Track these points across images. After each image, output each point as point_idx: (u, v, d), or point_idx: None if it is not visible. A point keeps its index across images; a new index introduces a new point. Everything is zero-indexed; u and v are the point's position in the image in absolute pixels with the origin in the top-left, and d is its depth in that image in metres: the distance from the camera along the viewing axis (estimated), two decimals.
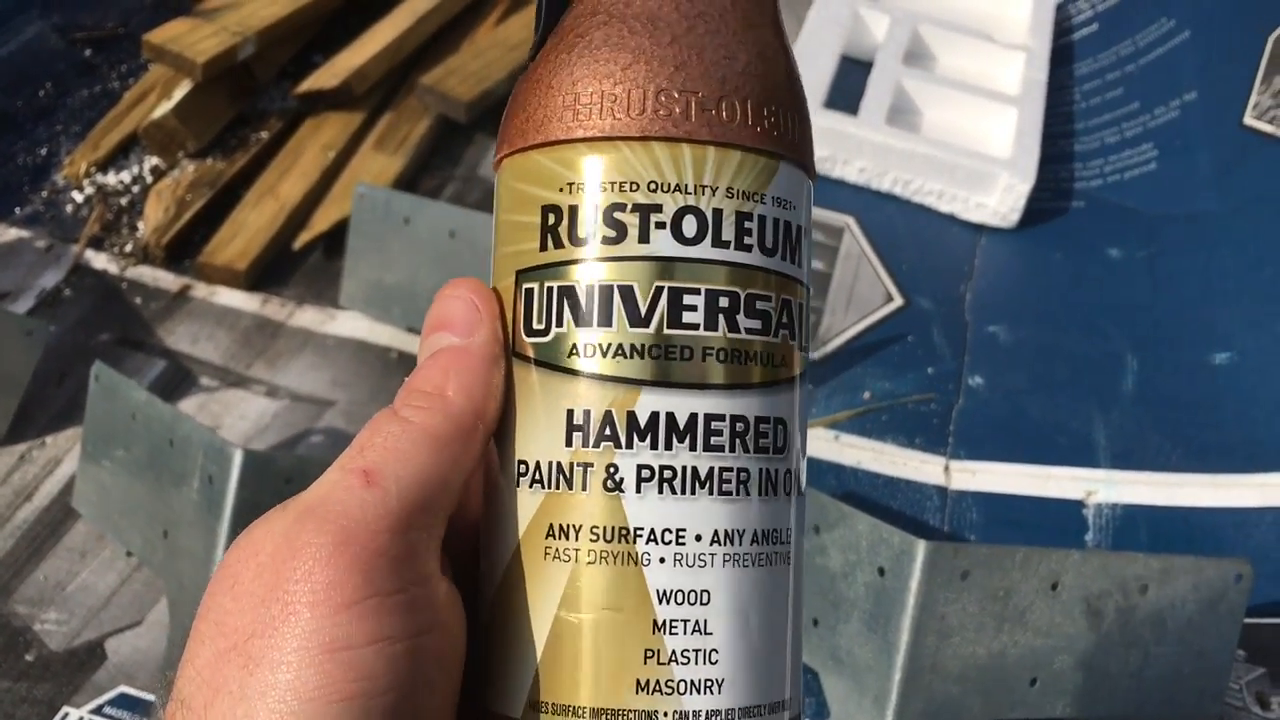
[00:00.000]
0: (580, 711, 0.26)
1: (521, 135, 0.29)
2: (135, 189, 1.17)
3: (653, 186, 0.27)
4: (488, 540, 0.29)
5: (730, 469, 0.27)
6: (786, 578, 0.28)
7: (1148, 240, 1.13)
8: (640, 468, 0.27)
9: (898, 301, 1.06)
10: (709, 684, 0.26)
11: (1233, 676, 0.76)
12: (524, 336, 0.28)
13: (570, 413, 0.27)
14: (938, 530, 0.87)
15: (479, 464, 0.28)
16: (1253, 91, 1.16)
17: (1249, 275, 1.06)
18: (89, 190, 1.16)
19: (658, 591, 0.26)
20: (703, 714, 0.26)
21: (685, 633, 0.26)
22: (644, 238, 0.27)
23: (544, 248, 0.28)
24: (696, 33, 0.28)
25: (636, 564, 0.26)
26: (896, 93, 1.19)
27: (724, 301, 0.27)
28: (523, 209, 0.28)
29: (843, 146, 1.15)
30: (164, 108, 1.17)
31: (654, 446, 0.27)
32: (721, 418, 0.27)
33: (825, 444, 0.93)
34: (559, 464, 0.27)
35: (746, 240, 0.27)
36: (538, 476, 0.27)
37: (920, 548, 0.65)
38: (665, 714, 0.26)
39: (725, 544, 0.27)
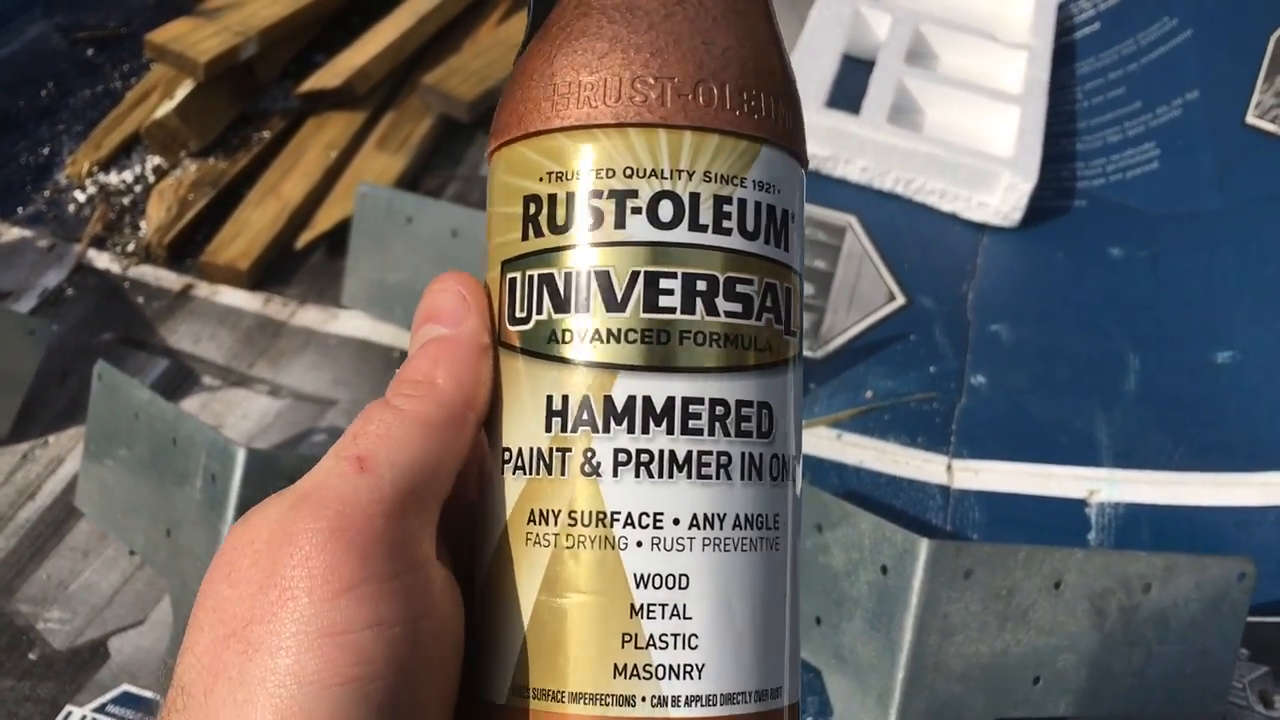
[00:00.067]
0: (560, 696, 0.26)
1: (505, 129, 0.29)
2: (137, 188, 1.17)
3: (629, 172, 0.27)
4: (479, 528, 0.29)
5: (710, 452, 0.27)
6: (777, 564, 0.28)
7: (1150, 239, 1.13)
8: (617, 451, 0.27)
9: (900, 300, 1.06)
10: (688, 669, 0.26)
11: (1236, 675, 0.76)
12: (509, 325, 0.28)
13: (550, 398, 0.27)
14: (940, 529, 0.87)
15: (471, 451, 0.28)
16: (1255, 90, 1.16)
17: (1251, 274, 1.06)
18: (91, 190, 1.17)
19: (635, 575, 0.26)
20: (682, 699, 0.26)
21: (663, 617, 0.26)
22: (620, 223, 0.27)
23: (525, 237, 0.28)
24: (674, 20, 0.28)
25: (614, 548, 0.26)
26: (898, 92, 1.19)
27: (701, 285, 0.27)
28: (507, 200, 0.29)
29: (845, 145, 1.15)
30: (166, 107, 1.17)
31: (631, 430, 0.27)
32: (700, 401, 0.27)
33: (828, 443, 0.93)
34: (539, 449, 0.27)
35: (725, 224, 0.27)
36: (520, 463, 0.28)
37: (923, 546, 0.65)
38: (643, 698, 0.26)
39: (705, 528, 0.27)
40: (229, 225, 1.11)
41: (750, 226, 0.28)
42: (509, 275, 0.28)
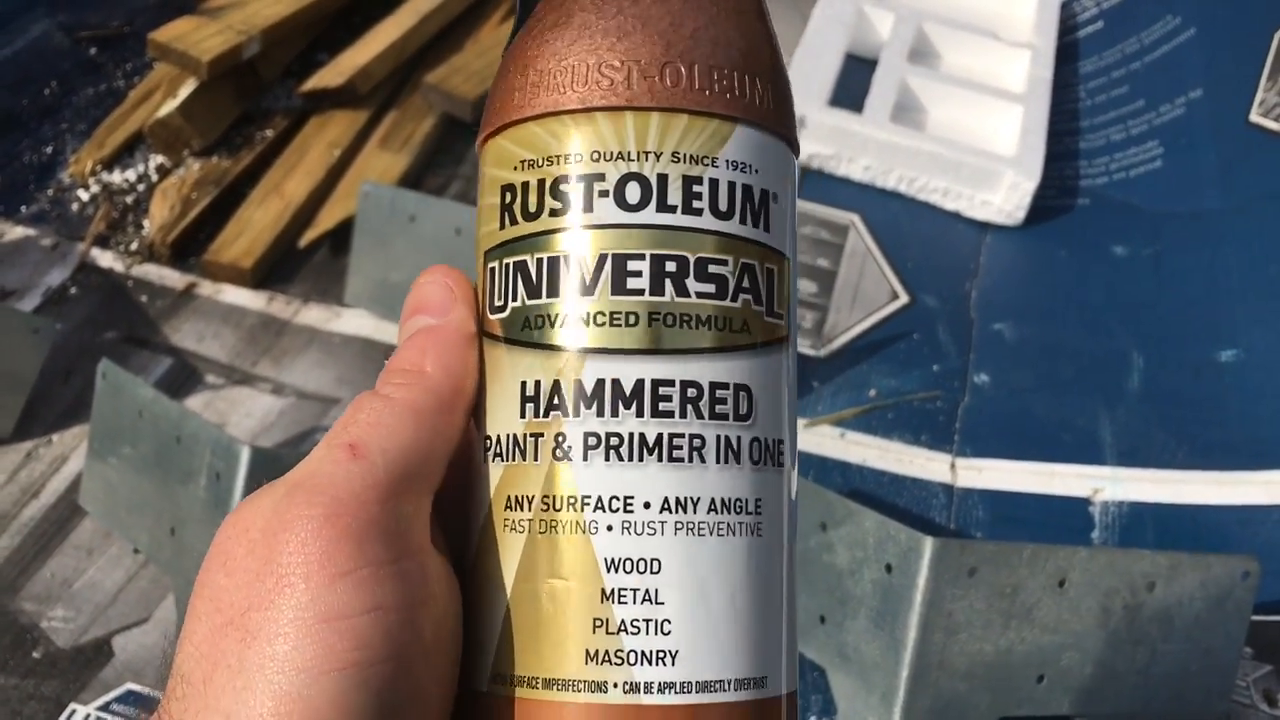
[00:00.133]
0: (534, 682, 0.26)
1: (487, 123, 0.29)
2: (141, 187, 1.17)
3: (595, 156, 0.27)
4: (468, 517, 0.29)
5: (681, 435, 0.26)
6: (760, 551, 0.27)
7: (1153, 238, 1.13)
8: (587, 435, 0.26)
9: (903, 299, 1.06)
10: (660, 655, 0.26)
11: (1240, 674, 0.76)
12: (490, 314, 0.29)
13: (524, 384, 0.27)
14: (944, 528, 0.87)
15: (462, 438, 0.29)
16: (1258, 89, 1.16)
17: (1254, 272, 1.06)
18: (95, 188, 1.17)
19: (606, 560, 0.26)
20: (654, 685, 0.26)
21: (634, 602, 0.26)
22: (588, 207, 0.27)
23: (502, 226, 0.28)
24: (643, 4, 0.28)
25: (584, 532, 0.26)
26: (901, 90, 1.19)
27: (670, 266, 0.27)
28: (489, 192, 0.29)
29: (848, 144, 1.15)
30: (169, 106, 1.17)
31: (600, 414, 0.26)
32: (670, 383, 0.27)
33: (831, 441, 0.93)
34: (515, 435, 0.27)
35: (695, 204, 0.27)
36: (499, 449, 0.28)
37: (928, 545, 0.65)
38: (615, 684, 0.26)
39: (676, 512, 0.26)
40: (232, 224, 1.11)
41: (723, 206, 0.27)
42: (489, 265, 0.29)
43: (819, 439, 0.93)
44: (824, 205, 1.14)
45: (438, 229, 0.98)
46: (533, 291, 0.27)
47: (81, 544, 0.85)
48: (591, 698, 0.26)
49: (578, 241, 0.27)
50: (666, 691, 0.26)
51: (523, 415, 0.27)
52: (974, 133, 1.18)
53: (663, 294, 0.27)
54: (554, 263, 0.27)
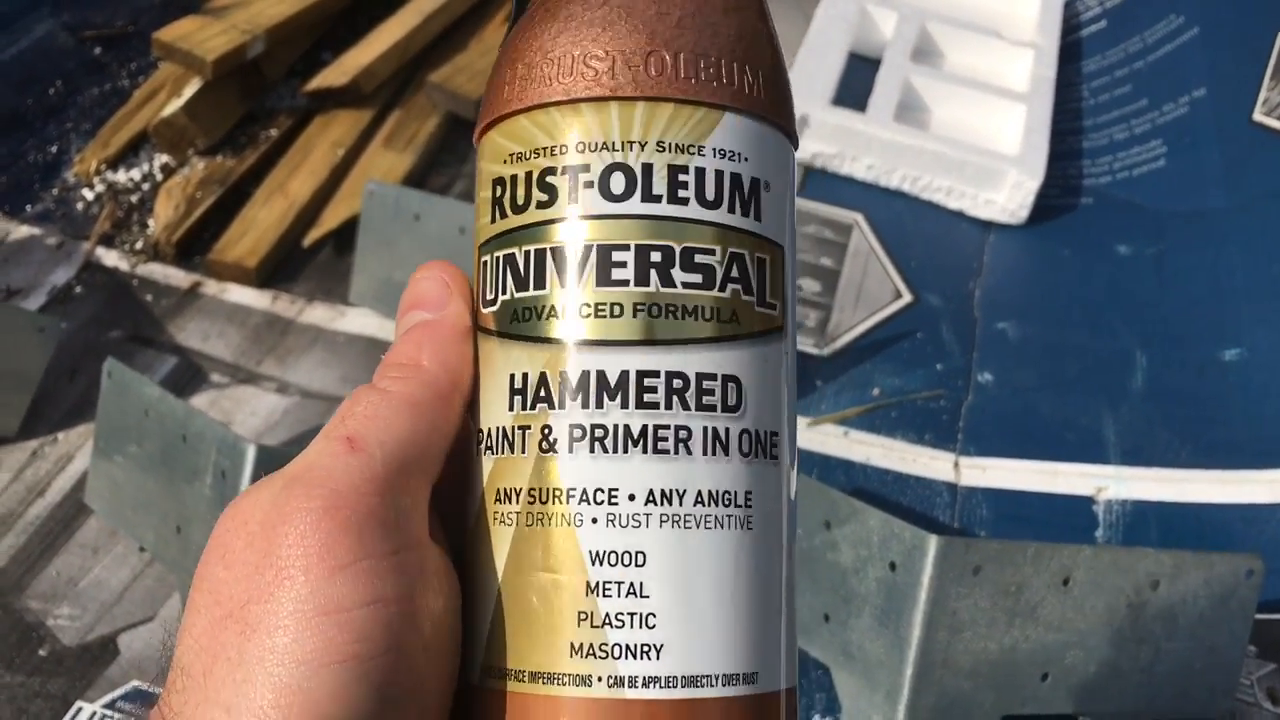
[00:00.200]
0: (521, 675, 0.26)
1: (481, 119, 0.29)
2: (145, 186, 1.17)
3: (581, 147, 0.27)
4: (464, 511, 0.29)
5: (666, 426, 0.26)
6: (751, 544, 0.27)
7: (1157, 237, 1.13)
8: (572, 427, 0.26)
9: (906, 298, 1.06)
10: (646, 649, 0.26)
11: (1244, 672, 0.76)
12: (482, 308, 0.29)
13: (513, 377, 0.27)
14: (948, 526, 0.87)
15: (459, 431, 0.29)
16: (1262, 88, 1.16)
17: (1258, 271, 1.06)
18: (99, 188, 1.17)
19: (590, 553, 0.26)
20: (639, 679, 0.25)
21: (619, 595, 0.26)
22: (573, 198, 0.27)
23: (493, 220, 0.28)
24: None
25: (570, 525, 0.26)
26: (905, 90, 1.19)
27: (655, 256, 0.26)
28: (482, 186, 0.29)
29: (851, 143, 1.15)
30: (174, 105, 1.17)
31: (585, 405, 0.26)
32: (655, 374, 0.26)
33: (835, 440, 0.93)
34: (504, 429, 0.27)
35: (681, 193, 0.27)
36: (490, 443, 0.28)
37: (932, 543, 0.65)
38: (599, 678, 0.25)
39: (662, 504, 0.26)
40: (237, 223, 1.11)
41: (710, 195, 0.27)
42: (482, 259, 0.29)
43: (823, 437, 0.93)
44: (827, 204, 1.14)
45: (442, 228, 0.98)
46: (521, 284, 0.27)
47: (87, 542, 0.85)
48: (577, 691, 0.25)
49: (563, 233, 0.27)
50: (651, 686, 0.25)
51: (511, 408, 0.27)
52: (977, 132, 1.18)
53: (648, 285, 0.26)
54: (541, 255, 0.27)
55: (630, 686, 0.25)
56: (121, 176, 1.18)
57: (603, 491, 0.26)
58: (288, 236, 1.10)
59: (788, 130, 0.29)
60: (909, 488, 0.90)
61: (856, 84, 1.20)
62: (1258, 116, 1.16)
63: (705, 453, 0.26)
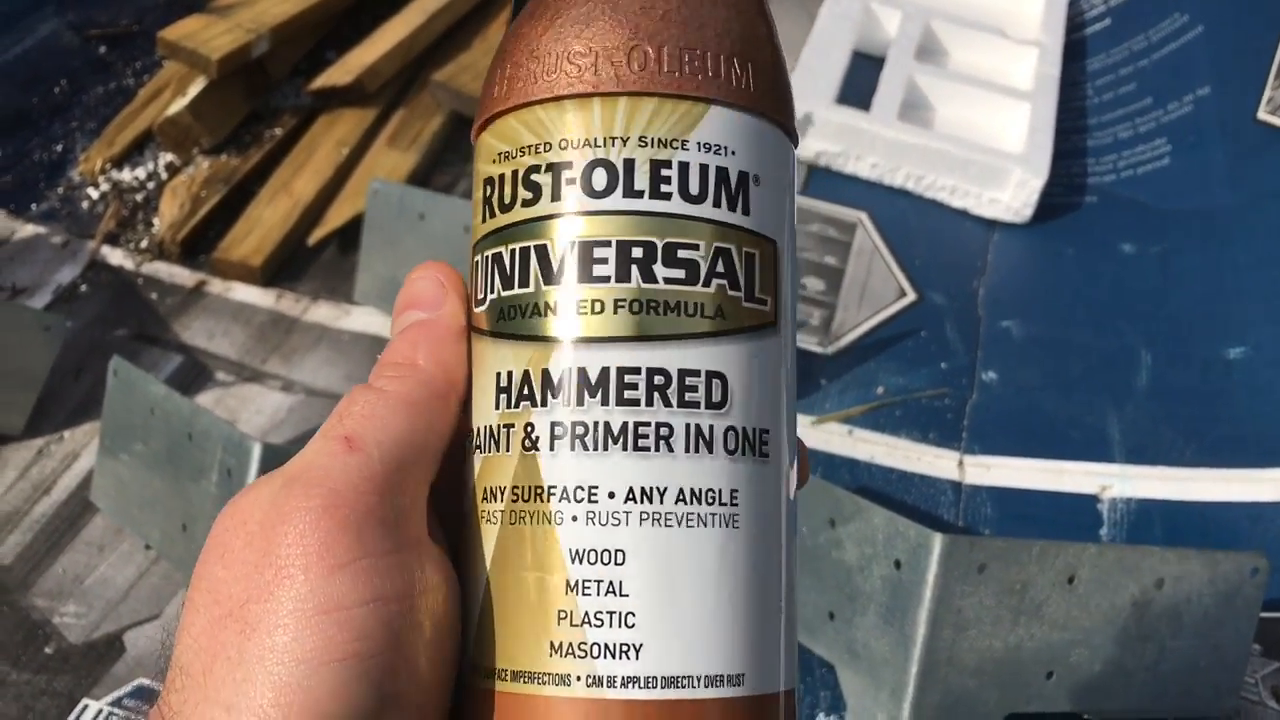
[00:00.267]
0: (504, 674, 0.26)
1: (475, 120, 0.30)
2: (150, 185, 1.17)
3: (564, 144, 0.27)
4: (460, 511, 0.29)
5: (647, 423, 0.26)
6: (737, 543, 0.26)
7: (1161, 235, 1.13)
8: (554, 425, 0.26)
9: (911, 297, 1.06)
10: (624, 649, 0.25)
11: (1248, 670, 0.76)
12: (475, 308, 0.29)
13: (499, 376, 0.27)
14: (952, 525, 0.87)
15: (455, 431, 0.29)
16: (1267, 86, 1.16)
17: (1263, 270, 1.06)
18: (105, 186, 1.17)
19: (570, 551, 0.26)
20: (618, 679, 0.25)
21: (598, 594, 0.25)
22: (556, 196, 0.27)
23: (483, 220, 0.28)
24: None
25: (550, 523, 0.26)
26: (909, 88, 1.19)
27: (637, 252, 0.26)
28: (476, 187, 0.29)
29: (855, 142, 1.15)
30: (179, 104, 1.17)
31: (567, 403, 0.26)
32: (636, 371, 0.26)
33: (839, 439, 0.93)
34: (491, 427, 0.27)
35: (664, 188, 0.26)
36: (479, 442, 0.28)
37: (937, 541, 0.65)
38: (578, 678, 0.25)
39: (642, 502, 0.26)
40: (241, 222, 1.11)
41: (694, 190, 0.27)
42: (475, 258, 0.29)
43: (827, 436, 0.93)
44: (831, 203, 1.14)
45: (447, 226, 0.98)
46: (507, 283, 0.27)
47: (93, 540, 0.85)
48: (556, 691, 0.25)
49: (547, 231, 0.27)
50: (630, 686, 0.25)
51: (497, 406, 0.27)
52: (981, 130, 1.18)
53: (629, 281, 0.26)
54: (525, 253, 0.27)
55: (609, 686, 0.25)
56: (126, 175, 1.18)
57: (583, 489, 0.26)
58: (292, 235, 1.10)
59: (782, 123, 0.29)
60: (913, 486, 0.90)
61: (861, 82, 1.20)
62: (1262, 115, 1.15)
63: (688, 450, 0.26)
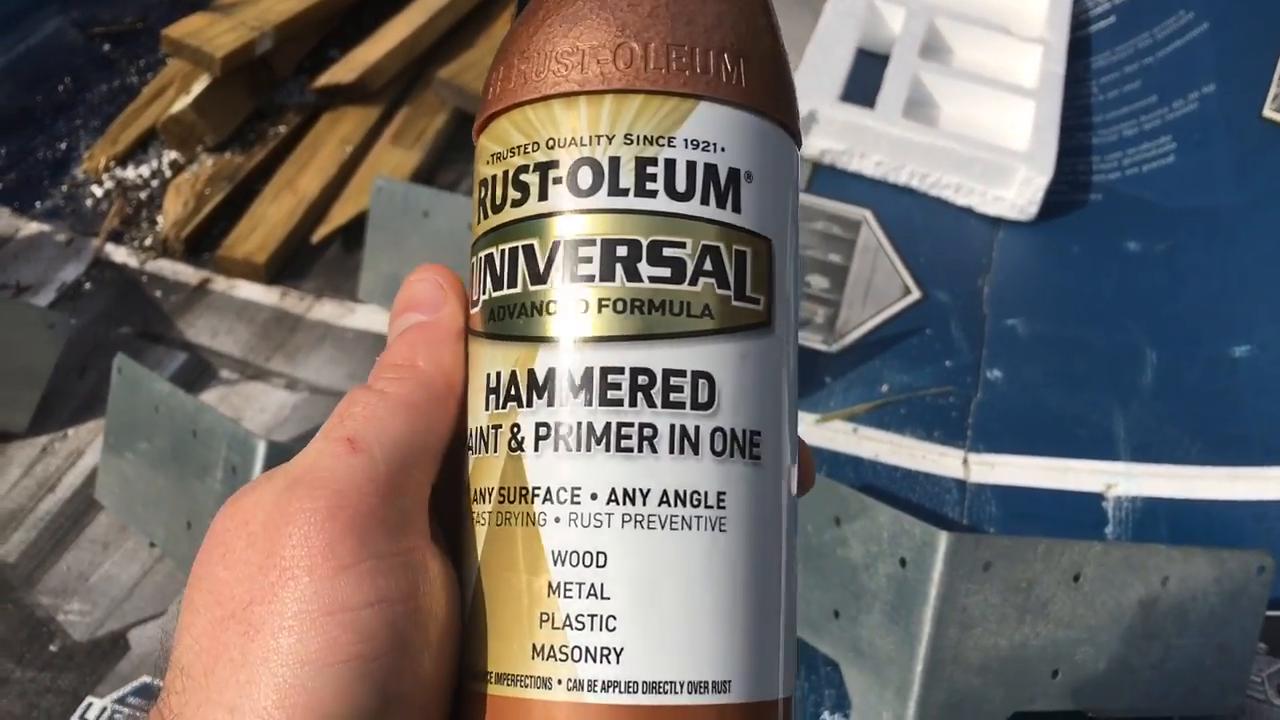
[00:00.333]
0: (489, 677, 0.26)
1: (475, 123, 0.30)
2: (154, 183, 1.17)
3: (551, 144, 0.27)
4: (458, 513, 0.29)
5: (630, 424, 0.25)
6: (724, 547, 0.26)
7: (1166, 233, 1.13)
8: (538, 425, 0.26)
9: (915, 295, 1.06)
10: (605, 652, 0.25)
11: (1254, 669, 0.76)
12: (471, 310, 0.29)
13: (489, 377, 0.27)
14: (957, 523, 0.87)
15: (454, 432, 0.29)
16: (1272, 83, 1.16)
17: (1268, 267, 1.06)
18: (108, 184, 1.17)
19: (553, 553, 0.25)
20: (598, 683, 0.25)
21: (580, 596, 0.25)
22: (543, 195, 0.27)
23: (478, 221, 0.28)
24: None
25: (534, 524, 0.26)
26: (913, 86, 1.19)
27: (622, 250, 0.26)
28: (474, 189, 0.29)
29: (860, 140, 1.15)
30: (182, 102, 1.17)
31: (551, 404, 0.26)
32: (619, 370, 0.26)
33: (843, 437, 0.93)
34: (481, 428, 0.27)
35: (650, 186, 0.26)
36: (472, 443, 0.28)
37: (942, 539, 0.65)
38: (559, 681, 0.25)
39: (624, 503, 0.25)
40: (245, 220, 1.11)
41: (681, 187, 0.26)
42: (471, 260, 0.29)
43: (831, 434, 0.93)
44: (836, 201, 1.14)
45: (451, 224, 0.98)
46: (497, 284, 0.27)
47: (97, 538, 0.85)
48: (538, 694, 0.25)
49: (533, 231, 0.27)
50: (610, 690, 0.25)
51: (487, 407, 0.27)
52: (986, 128, 1.18)
53: (612, 280, 0.26)
54: (513, 254, 0.27)
55: (589, 690, 0.25)
56: (130, 173, 1.18)
57: (565, 490, 0.26)
58: (296, 233, 1.10)
59: (780, 119, 0.28)
60: (918, 484, 0.90)
61: (865, 80, 1.20)
62: (1268, 112, 1.15)
63: (672, 451, 0.26)
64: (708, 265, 0.26)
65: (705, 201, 0.26)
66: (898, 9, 1.28)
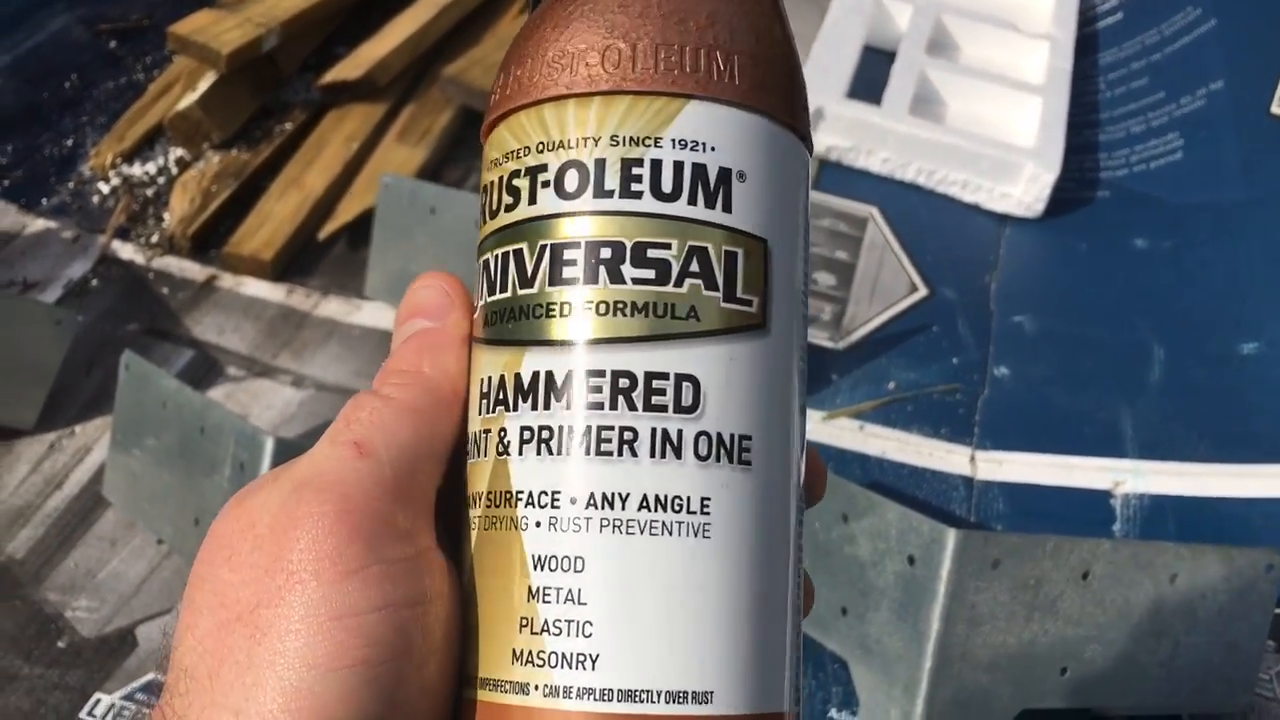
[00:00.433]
0: (474, 681, 0.26)
1: (481, 130, 0.30)
2: (161, 180, 1.17)
3: (540, 147, 0.27)
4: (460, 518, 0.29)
5: (610, 427, 0.25)
6: (708, 553, 0.25)
7: (1174, 230, 1.13)
8: (523, 429, 0.26)
9: (922, 292, 1.06)
10: (581, 659, 0.24)
11: (1263, 667, 0.76)
12: (474, 315, 0.29)
13: (482, 381, 0.27)
14: (964, 520, 0.87)
15: (459, 438, 0.29)
16: None
17: (1276, 265, 1.06)
18: (115, 181, 1.17)
19: (533, 557, 0.25)
20: (574, 690, 0.24)
21: (558, 601, 0.25)
22: (533, 199, 0.27)
23: (478, 226, 0.29)
24: None
25: (516, 528, 0.26)
26: (920, 83, 1.19)
27: (605, 253, 0.26)
28: (480, 196, 0.30)
29: (866, 137, 1.14)
30: (189, 99, 1.17)
31: (534, 407, 0.26)
32: (600, 373, 0.25)
33: (850, 434, 0.93)
34: (474, 433, 0.27)
35: (635, 187, 0.26)
36: (468, 448, 0.28)
37: (951, 536, 0.65)
38: (536, 687, 0.25)
39: (603, 508, 0.25)
40: (252, 217, 1.11)
41: (667, 187, 0.26)
42: (475, 266, 0.29)
43: (838, 431, 0.93)
44: (842, 198, 1.14)
45: (458, 221, 0.98)
46: (492, 288, 0.27)
47: (105, 535, 0.86)
48: (516, 700, 0.25)
49: (522, 235, 0.27)
50: (586, 698, 0.24)
51: (480, 412, 0.27)
52: (993, 125, 1.18)
53: (596, 282, 0.26)
54: (505, 259, 0.27)
55: (565, 697, 0.24)
56: (137, 170, 1.18)
57: (546, 494, 0.25)
58: (303, 230, 1.10)
59: (781, 117, 0.28)
60: (925, 482, 0.90)
61: (871, 77, 1.20)
62: (1275, 109, 1.15)
63: (653, 455, 0.25)
64: (694, 266, 0.26)
65: (693, 202, 0.26)
66: (905, 6, 1.28)
